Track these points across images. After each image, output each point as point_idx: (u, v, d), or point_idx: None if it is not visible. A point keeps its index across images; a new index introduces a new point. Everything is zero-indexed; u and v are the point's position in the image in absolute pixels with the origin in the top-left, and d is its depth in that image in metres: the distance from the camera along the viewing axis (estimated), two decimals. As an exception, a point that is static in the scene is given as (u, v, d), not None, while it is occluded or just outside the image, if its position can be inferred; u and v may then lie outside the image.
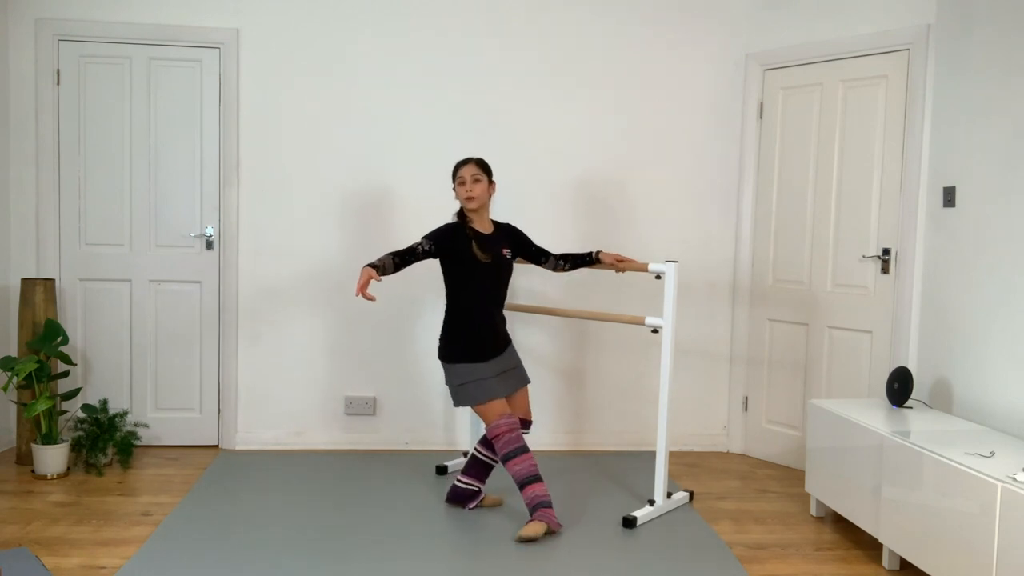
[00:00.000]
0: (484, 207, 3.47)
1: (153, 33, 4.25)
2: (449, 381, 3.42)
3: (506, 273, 3.49)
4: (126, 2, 4.25)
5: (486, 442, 3.52)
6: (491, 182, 3.48)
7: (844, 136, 4.11)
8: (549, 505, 3.28)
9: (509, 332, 3.61)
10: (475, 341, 3.38)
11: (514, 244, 3.58)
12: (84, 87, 4.27)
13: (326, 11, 4.33)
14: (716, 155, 4.55)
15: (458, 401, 3.39)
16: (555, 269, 3.70)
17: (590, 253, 3.64)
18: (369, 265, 3.22)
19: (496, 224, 3.56)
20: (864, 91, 4.03)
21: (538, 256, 3.66)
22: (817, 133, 4.22)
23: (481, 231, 3.45)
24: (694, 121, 4.53)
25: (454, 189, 3.48)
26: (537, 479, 3.28)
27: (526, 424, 3.56)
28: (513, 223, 4.24)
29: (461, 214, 3.48)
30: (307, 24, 4.33)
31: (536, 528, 3.21)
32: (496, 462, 3.55)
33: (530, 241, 3.66)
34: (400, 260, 3.31)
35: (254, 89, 4.33)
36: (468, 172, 3.43)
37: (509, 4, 4.40)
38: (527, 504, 3.28)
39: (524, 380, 3.55)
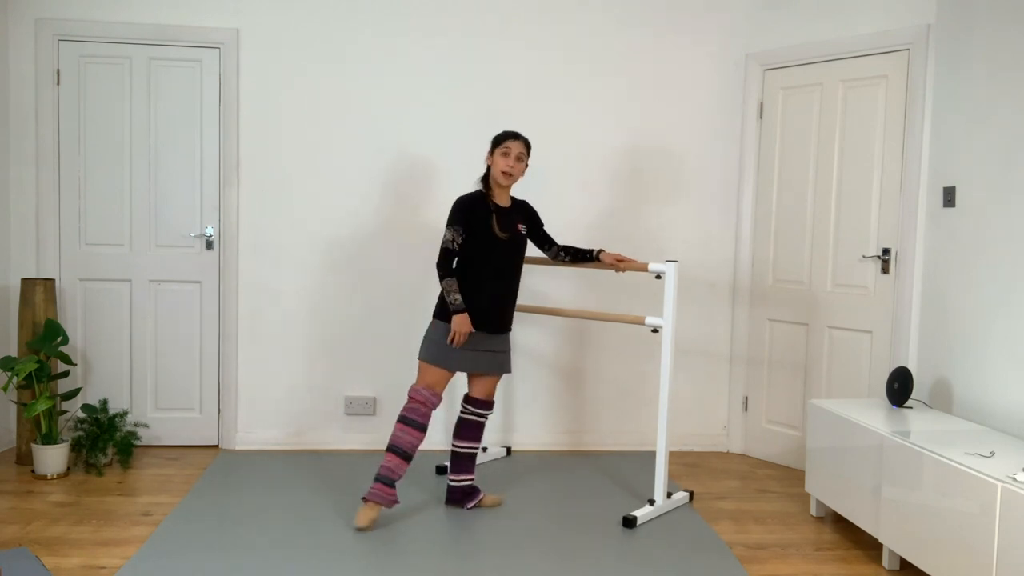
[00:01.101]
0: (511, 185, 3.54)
1: (153, 33, 4.25)
2: (426, 332, 3.49)
3: (522, 248, 3.53)
4: (126, 2, 4.25)
5: (459, 435, 3.57)
6: (526, 165, 3.54)
7: (844, 136, 4.11)
8: (392, 484, 3.32)
9: (511, 331, 3.61)
10: (472, 307, 3.41)
11: (528, 221, 3.63)
12: (84, 87, 4.27)
13: (326, 11, 4.33)
14: (716, 155, 4.55)
15: (419, 354, 3.47)
16: (555, 259, 3.73)
17: (591, 251, 3.66)
18: (455, 311, 3.31)
19: (513, 199, 3.61)
20: (864, 91, 4.03)
21: (543, 241, 3.72)
22: (817, 133, 4.22)
23: (500, 204, 3.50)
24: (694, 121, 4.53)
25: (490, 155, 3.49)
26: (406, 457, 3.33)
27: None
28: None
29: (485, 183, 3.52)
30: (307, 24, 4.33)
31: (368, 514, 3.28)
32: (476, 449, 3.59)
33: (541, 223, 3.71)
34: (453, 273, 3.38)
35: (254, 89, 4.33)
36: (517, 147, 3.46)
37: (508, 4, 4.40)
38: (379, 469, 3.32)
39: (502, 369, 3.54)
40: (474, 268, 3.43)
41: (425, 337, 3.46)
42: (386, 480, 3.31)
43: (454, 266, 3.41)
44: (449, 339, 3.33)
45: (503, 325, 3.50)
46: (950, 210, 3.63)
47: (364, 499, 3.30)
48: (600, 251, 3.64)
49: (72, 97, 4.27)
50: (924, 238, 3.82)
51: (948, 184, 3.64)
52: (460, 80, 4.41)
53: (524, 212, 3.63)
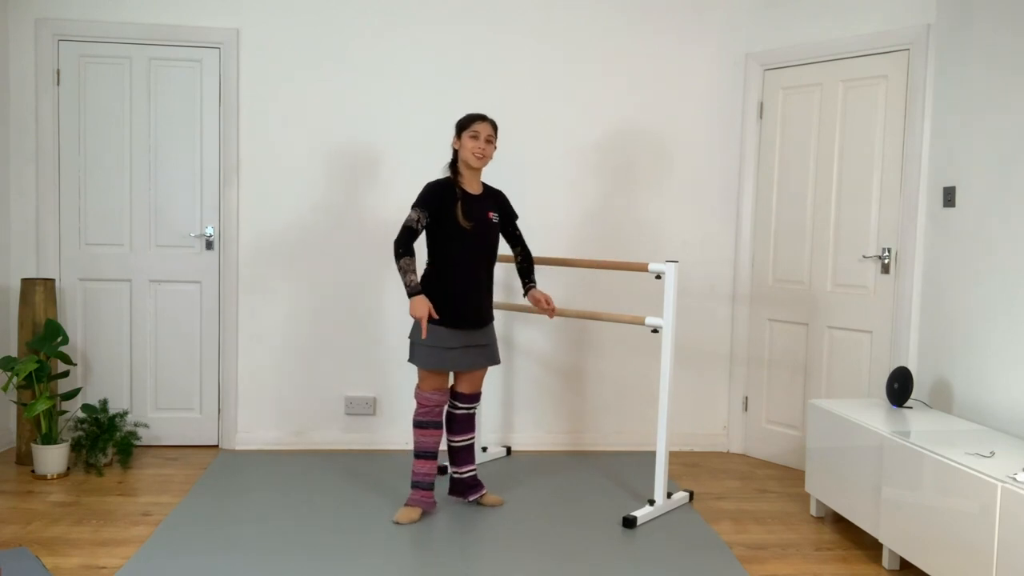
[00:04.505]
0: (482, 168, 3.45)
1: (153, 33, 4.25)
2: (410, 335, 3.42)
3: (492, 237, 3.44)
4: (126, 2, 4.25)
5: (452, 430, 3.56)
6: (495, 147, 3.45)
7: (844, 136, 4.11)
8: (429, 488, 3.45)
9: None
10: (448, 304, 3.34)
11: (500, 210, 3.53)
12: (84, 87, 4.27)
13: (326, 11, 4.33)
14: (716, 155, 4.55)
15: (409, 357, 3.43)
16: (514, 259, 3.70)
17: (526, 283, 3.63)
18: (412, 292, 3.22)
19: (485, 187, 3.52)
20: (864, 91, 4.03)
21: (511, 239, 3.63)
22: (817, 133, 4.22)
23: (469, 191, 3.41)
24: (694, 121, 4.53)
25: (457, 139, 3.39)
26: (432, 456, 3.43)
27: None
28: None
29: (453, 168, 3.42)
30: (307, 24, 4.33)
31: (410, 514, 3.40)
32: (473, 439, 3.58)
33: (514, 215, 3.60)
34: (413, 252, 3.28)
35: (254, 89, 4.33)
36: (486, 130, 3.36)
37: (509, 5, 4.40)
38: (413, 476, 3.45)
39: (491, 360, 3.51)
40: (442, 258, 3.36)
41: (411, 343, 3.40)
42: (422, 484, 3.45)
43: (414, 247, 3.34)
44: (423, 335, 3.24)
45: (482, 318, 3.43)
46: (950, 210, 3.63)
47: (407, 504, 3.46)
48: (531, 288, 3.60)
49: (72, 97, 4.27)
50: (924, 238, 3.82)
51: (948, 184, 3.64)
52: (460, 80, 4.41)
53: (497, 201, 3.52)
